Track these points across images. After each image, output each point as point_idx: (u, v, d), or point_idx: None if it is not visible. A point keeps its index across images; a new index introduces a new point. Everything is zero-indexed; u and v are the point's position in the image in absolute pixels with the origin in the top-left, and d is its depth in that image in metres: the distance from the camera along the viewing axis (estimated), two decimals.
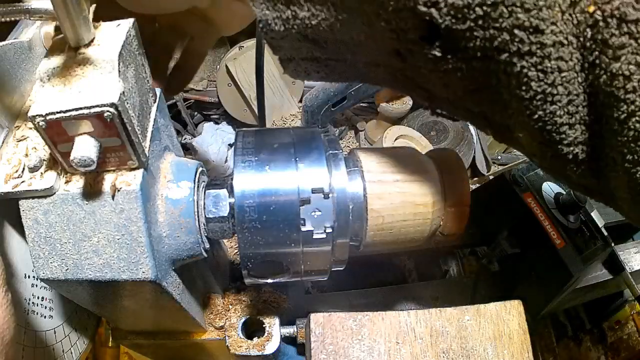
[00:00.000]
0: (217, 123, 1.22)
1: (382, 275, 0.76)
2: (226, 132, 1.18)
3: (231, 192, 0.42)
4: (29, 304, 0.43)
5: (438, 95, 0.38)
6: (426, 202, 0.44)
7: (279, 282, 0.46)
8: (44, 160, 0.35)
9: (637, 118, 0.27)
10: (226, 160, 1.15)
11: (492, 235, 0.72)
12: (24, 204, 0.35)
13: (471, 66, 0.31)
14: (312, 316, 0.51)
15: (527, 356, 0.50)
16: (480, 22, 0.28)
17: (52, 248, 0.36)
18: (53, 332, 0.46)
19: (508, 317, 0.52)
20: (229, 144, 1.16)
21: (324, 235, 0.40)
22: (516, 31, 0.28)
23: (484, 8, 0.28)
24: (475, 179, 1.20)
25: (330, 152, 0.42)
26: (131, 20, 0.37)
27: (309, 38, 0.37)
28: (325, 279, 0.46)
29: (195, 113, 1.22)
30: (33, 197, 0.35)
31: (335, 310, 0.52)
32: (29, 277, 0.43)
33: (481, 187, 0.82)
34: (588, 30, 0.27)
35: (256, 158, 0.41)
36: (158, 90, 0.43)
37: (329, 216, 0.40)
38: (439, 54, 0.32)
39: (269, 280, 0.45)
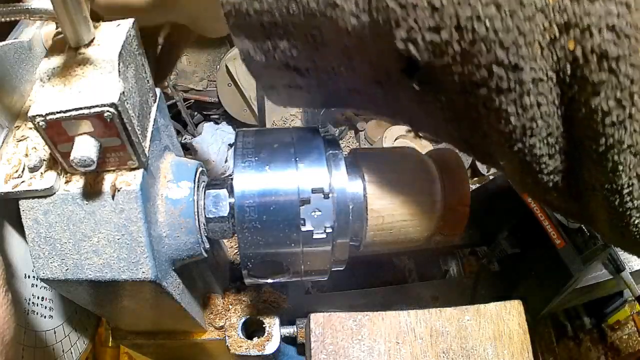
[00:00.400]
0: (217, 123, 1.22)
1: (382, 275, 0.76)
2: (226, 132, 1.18)
3: (231, 192, 0.42)
4: (29, 304, 0.43)
5: (420, 122, 0.38)
6: (426, 202, 0.44)
7: (279, 282, 0.46)
8: (44, 160, 0.35)
9: (615, 150, 0.28)
10: (226, 160, 1.15)
11: (492, 235, 0.72)
12: (24, 204, 0.35)
13: (450, 99, 0.31)
14: (312, 316, 0.51)
15: (527, 356, 0.50)
16: (458, 58, 0.28)
17: (52, 248, 0.36)
18: (53, 332, 0.46)
19: (508, 317, 0.52)
20: (229, 144, 1.16)
21: (324, 235, 0.40)
22: (495, 68, 0.28)
23: (462, 45, 0.28)
24: (475, 179, 1.20)
25: (330, 152, 0.42)
26: (131, 21, 0.37)
27: (290, 66, 0.37)
28: (325, 279, 0.46)
29: (195, 113, 1.22)
30: (33, 197, 0.35)
31: (335, 310, 0.52)
32: (29, 277, 0.43)
33: (481, 187, 0.82)
34: (568, 66, 0.27)
35: (256, 158, 0.41)
36: (158, 90, 0.43)
37: (329, 216, 0.40)
38: (417, 88, 0.32)
39: (269, 280, 0.45)
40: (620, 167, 0.28)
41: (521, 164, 0.32)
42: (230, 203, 0.42)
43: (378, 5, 0.29)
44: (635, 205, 0.30)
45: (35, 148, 0.36)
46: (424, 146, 1.14)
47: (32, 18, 0.34)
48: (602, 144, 0.28)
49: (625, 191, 0.29)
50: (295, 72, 0.38)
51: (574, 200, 0.34)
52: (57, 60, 0.34)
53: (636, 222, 0.31)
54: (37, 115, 0.31)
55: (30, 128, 0.38)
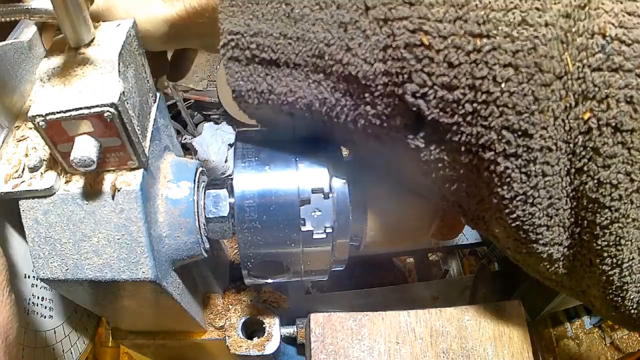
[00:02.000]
0: (217, 123, 1.22)
1: (382, 275, 0.76)
2: (226, 132, 1.18)
3: (231, 192, 0.42)
4: (29, 304, 0.43)
5: (413, 180, 0.37)
6: (426, 202, 0.43)
7: (279, 282, 0.46)
8: (44, 160, 0.35)
9: (619, 224, 0.27)
10: (226, 160, 1.15)
11: None
12: (24, 204, 0.35)
13: (453, 158, 0.30)
14: (312, 316, 0.51)
15: (527, 356, 0.50)
16: (468, 118, 0.27)
17: (52, 248, 0.36)
18: (53, 332, 0.46)
19: (508, 317, 0.52)
20: (229, 144, 1.16)
21: (324, 235, 0.40)
22: (504, 132, 0.27)
23: (475, 105, 0.27)
24: None
25: (331, 152, 0.42)
26: (131, 20, 0.37)
27: (285, 112, 0.36)
28: (325, 279, 0.46)
29: (195, 113, 1.22)
30: (33, 197, 0.35)
31: (335, 310, 0.52)
32: (29, 277, 0.43)
33: None
34: (580, 137, 0.26)
35: (256, 158, 0.41)
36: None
37: (329, 216, 0.40)
38: (421, 145, 0.31)
39: (269, 280, 0.45)
40: (623, 241, 0.27)
41: (517, 233, 0.31)
42: (230, 203, 0.42)
43: (394, 54, 0.28)
44: (634, 279, 0.29)
45: (35, 148, 0.36)
46: None
47: (32, 18, 0.34)
48: (607, 217, 0.27)
49: (626, 265, 0.28)
50: (290, 116, 0.36)
51: (567, 274, 0.33)
52: (57, 60, 0.34)
53: (632, 296, 0.30)
54: (37, 115, 0.31)
55: (30, 128, 0.38)
